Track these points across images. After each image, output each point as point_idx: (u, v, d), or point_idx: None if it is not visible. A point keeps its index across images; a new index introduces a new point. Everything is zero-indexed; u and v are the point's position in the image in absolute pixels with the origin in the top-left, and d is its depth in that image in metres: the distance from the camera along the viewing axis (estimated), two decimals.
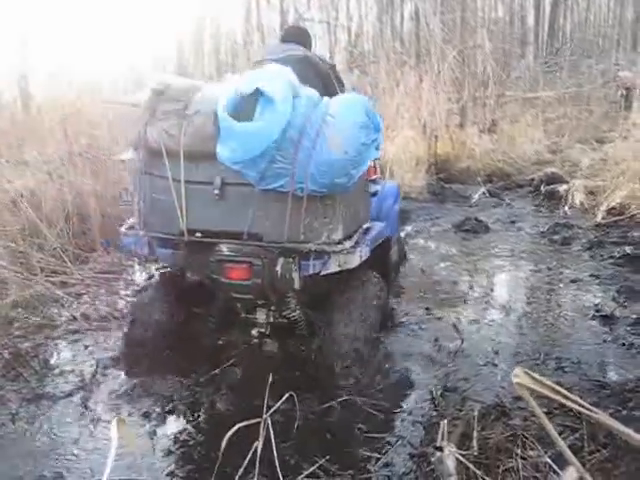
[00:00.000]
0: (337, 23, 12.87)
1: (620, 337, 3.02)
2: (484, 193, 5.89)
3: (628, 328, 3.10)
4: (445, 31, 9.42)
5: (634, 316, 3.18)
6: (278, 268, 2.30)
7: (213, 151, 2.25)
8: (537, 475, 1.97)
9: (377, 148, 2.40)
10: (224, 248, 2.34)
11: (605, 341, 3.00)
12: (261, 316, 2.60)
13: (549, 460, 1.89)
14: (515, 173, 6.48)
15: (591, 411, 1.00)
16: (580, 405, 1.00)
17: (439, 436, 1.97)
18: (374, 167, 2.94)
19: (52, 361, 2.88)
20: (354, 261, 2.37)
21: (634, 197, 4.77)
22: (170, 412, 2.36)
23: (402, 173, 5.77)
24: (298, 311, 2.59)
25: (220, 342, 2.74)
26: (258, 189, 2.25)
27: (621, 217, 4.72)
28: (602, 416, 1.04)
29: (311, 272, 2.34)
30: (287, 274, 2.30)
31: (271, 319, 2.61)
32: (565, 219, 5.05)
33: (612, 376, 2.65)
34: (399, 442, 2.22)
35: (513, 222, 5.18)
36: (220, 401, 2.39)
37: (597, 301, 3.44)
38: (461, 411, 2.29)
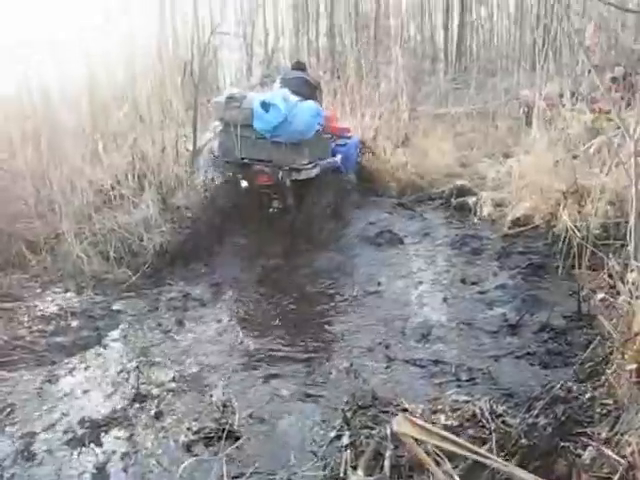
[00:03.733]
0: (253, 38, 12.83)
1: (525, 346, 3.12)
2: (398, 205, 6.00)
3: (533, 336, 3.22)
4: (359, 47, 9.61)
5: (537, 325, 3.30)
6: (280, 175, 4.75)
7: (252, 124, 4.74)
8: None
9: (319, 123, 4.96)
10: (257, 167, 4.90)
11: (512, 351, 3.09)
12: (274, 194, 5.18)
13: (456, 475, 1.88)
14: (427, 186, 6.61)
15: (478, 454, 0.97)
16: (467, 449, 0.96)
17: (342, 465, 1.91)
18: (344, 128, 6.03)
19: None
20: (312, 174, 4.89)
21: (537, 209, 4.98)
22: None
23: None
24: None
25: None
26: (270, 140, 4.74)
27: (526, 228, 4.92)
28: (495, 461, 1.02)
29: (293, 178, 4.80)
30: (283, 178, 4.76)
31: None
32: (474, 230, 5.21)
33: (519, 384, 2.73)
34: (310, 464, 2.16)
35: (426, 234, 5.28)
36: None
37: (504, 311, 3.55)
38: (373, 429, 2.25)
